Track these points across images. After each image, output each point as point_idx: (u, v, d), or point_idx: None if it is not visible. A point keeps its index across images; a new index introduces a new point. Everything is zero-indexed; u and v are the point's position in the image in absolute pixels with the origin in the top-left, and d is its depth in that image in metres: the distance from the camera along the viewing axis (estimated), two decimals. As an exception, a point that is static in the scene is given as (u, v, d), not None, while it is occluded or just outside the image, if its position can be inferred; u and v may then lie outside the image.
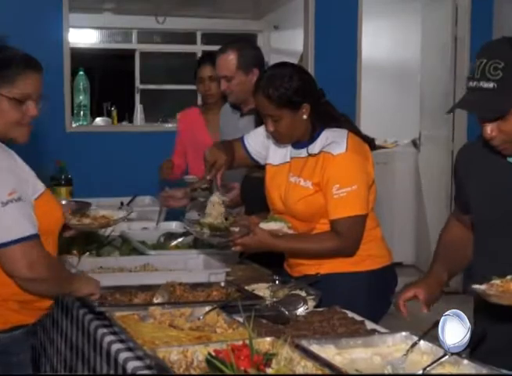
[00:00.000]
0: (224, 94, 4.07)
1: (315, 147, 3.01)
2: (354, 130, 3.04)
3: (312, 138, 3.02)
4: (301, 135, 3.03)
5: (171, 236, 3.62)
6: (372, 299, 3.00)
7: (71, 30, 6.29)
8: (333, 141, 2.96)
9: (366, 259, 3.02)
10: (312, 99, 2.99)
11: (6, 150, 2.45)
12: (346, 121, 3.08)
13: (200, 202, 3.38)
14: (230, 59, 3.76)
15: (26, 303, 2.50)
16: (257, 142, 3.28)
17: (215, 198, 3.00)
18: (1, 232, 2.34)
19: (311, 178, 2.98)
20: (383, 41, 8.46)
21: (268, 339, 2.25)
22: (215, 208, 2.99)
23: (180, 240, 3.57)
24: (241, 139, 3.33)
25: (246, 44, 3.97)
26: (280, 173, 3.13)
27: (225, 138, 4.05)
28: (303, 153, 3.05)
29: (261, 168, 3.45)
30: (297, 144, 3.07)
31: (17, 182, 2.38)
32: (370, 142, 3.09)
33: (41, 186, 2.51)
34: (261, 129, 3.26)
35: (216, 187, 3.14)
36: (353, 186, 2.89)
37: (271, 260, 3.24)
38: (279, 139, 3.10)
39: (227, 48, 3.79)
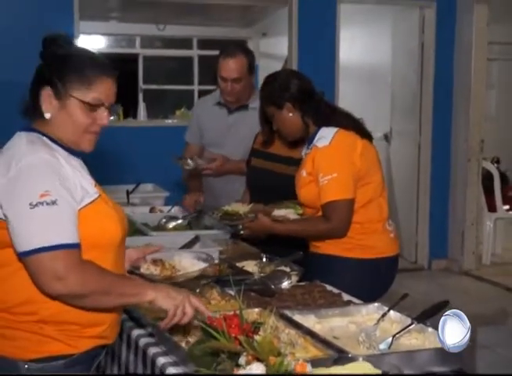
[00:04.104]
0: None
1: (312, 143, 3.03)
2: (349, 125, 3.00)
3: (313, 135, 3.03)
4: (298, 132, 3.08)
5: (171, 219, 3.62)
6: (357, 286, 2.80)
7: (81, 36, 6.26)
8: (322, 136, 2.98)
9: (357, 248, 2.97)
10: (296, 99, 3.01)
11: (52, 148, 1.95)
12: (342, 119, 3.03)
13: None
14: (242, 62, 3.63)
15: (64, 328, 1.92)
16: None
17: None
18: (25, 238, 1.80)
19: (306, 169, 3.01)
20: (358, 47, 8.43)
21: (256, 310, 2.26)
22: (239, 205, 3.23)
23: (179, 222, 3.58)
24: None
25: (247, 48, 3.86)
26: (299, 168, 3.15)
27: (212, 132, 3.88)
28: (308, 149, 3.07)
29: (265, 159, 3.44)
30: (308, 142, 3.08)
31: (55, 183, 1.84)
32: (368, 135, 3.12)
33: (92, 194, 1.95)
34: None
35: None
36: (333, 174, 2.90)
37: (259, 240, 3.24)
38: (283, 136, 3.19)
39: (236, 52, 3.64)
